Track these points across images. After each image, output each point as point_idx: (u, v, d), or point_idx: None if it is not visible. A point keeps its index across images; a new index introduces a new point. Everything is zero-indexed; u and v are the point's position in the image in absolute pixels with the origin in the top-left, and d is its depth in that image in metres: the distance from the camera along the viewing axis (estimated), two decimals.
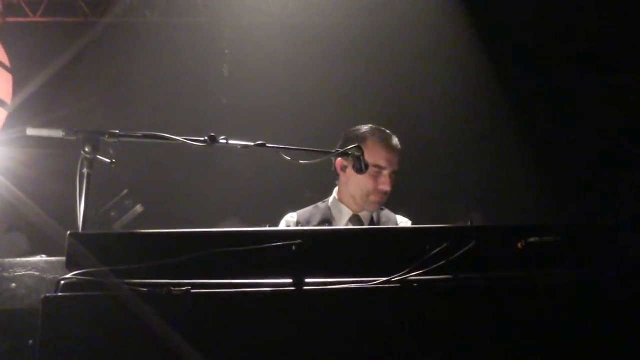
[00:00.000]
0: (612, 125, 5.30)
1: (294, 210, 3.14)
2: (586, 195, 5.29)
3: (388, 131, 3.06)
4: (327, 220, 3.00)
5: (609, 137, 5.35)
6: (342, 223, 3.00)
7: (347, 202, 3.04)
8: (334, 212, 3.04)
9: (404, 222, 3.08)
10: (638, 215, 4.36)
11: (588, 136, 5.38)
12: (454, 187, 5.85)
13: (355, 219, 3.01)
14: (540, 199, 5.35)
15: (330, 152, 2.82)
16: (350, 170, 2.95)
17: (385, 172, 2.96)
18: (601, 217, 4.88)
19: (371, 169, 2.87)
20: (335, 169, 3.08)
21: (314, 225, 2.98)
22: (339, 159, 3.02)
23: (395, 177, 3.00)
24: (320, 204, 3.10)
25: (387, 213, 3.10)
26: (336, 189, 3.11)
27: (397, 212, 3.15)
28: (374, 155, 2.91)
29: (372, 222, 3.02)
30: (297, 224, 3.01)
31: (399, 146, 3.04)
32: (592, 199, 5.19)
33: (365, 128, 3.04)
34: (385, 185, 2.96)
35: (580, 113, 5.34)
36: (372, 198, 2.97)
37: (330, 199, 3.09)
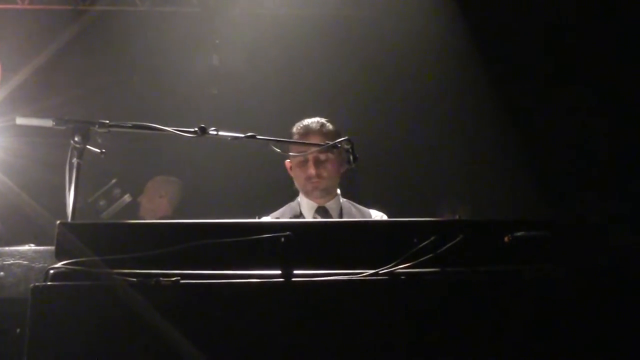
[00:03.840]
0: (600, 119, 5.32)
1: (284, 200, 3.16)
2: (574, 190, 5.32)
3: (305, 121, 3.06)
4: (297, 216, 3.02)
5: (597, 132, 5.37)
6: (310, 216, 3.01)
7: (307, 196, 3.06)
8: (302, 208, 3.05)
9: (378, 216, 3.08)
10: (626, 211, 4.39)
11: (576, 130, 5.40)
12: (437, 177, 5.84)
13: (322, 210, 3.03)
14: (527, 192, 5.39)
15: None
16: (292, 170, 3.05)
17: (308, 158, 2.97)
18: (589, 212, 4.91)
19: (296, 162, 2.98)
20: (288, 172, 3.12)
21: None
22: (286, 161, 3.08)
23: (334, 157, 2.95)
24: (292, 202, 3.12)
25: (360, 208, 3.10)
26: None
27: (375, 203, 3.16)
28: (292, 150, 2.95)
29: (340, 213, 3.03)
30: None
31: (318, 127, 3.02)
32: (581, 194, 5.22)
33: None
34: (310, 170, 2.95)
35: (569, 106, 5.36)
36: (308, 187, 2.99)
37: (299, 196, 3.12)
